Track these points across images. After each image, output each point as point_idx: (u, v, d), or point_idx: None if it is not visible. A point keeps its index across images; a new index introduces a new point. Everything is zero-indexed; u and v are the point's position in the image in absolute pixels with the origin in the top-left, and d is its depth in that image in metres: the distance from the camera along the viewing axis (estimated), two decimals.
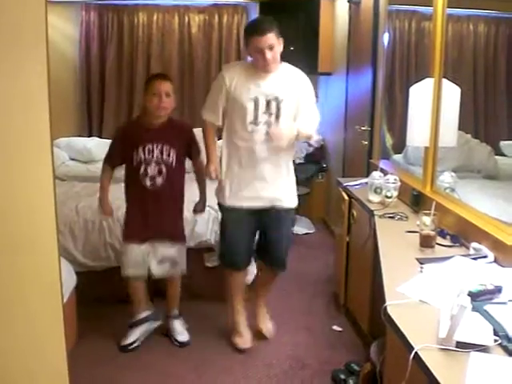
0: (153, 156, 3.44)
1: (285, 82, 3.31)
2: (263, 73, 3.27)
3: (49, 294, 2.09)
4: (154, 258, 3.54)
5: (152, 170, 3.44)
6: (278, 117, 3.27)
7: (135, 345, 3.58)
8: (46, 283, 2.08)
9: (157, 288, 3.78)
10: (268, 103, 3.26)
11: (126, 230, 3.59)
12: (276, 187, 3.39)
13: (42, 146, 1.98)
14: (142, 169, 3.44)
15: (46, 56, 1.92)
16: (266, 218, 3.44)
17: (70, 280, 3.49)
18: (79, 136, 5.98)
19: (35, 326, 2.10)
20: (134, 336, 3.60)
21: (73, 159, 5.71)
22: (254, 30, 3.21)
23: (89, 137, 6.04)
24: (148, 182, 3.45)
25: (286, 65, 3.37)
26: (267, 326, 3.71)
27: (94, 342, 3.62)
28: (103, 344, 3.61)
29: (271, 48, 3.17)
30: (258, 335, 3.67)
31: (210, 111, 3.41)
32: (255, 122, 3.26)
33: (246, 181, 3.36)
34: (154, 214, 3.50)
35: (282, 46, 3.25)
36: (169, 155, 3.46)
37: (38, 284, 2.07)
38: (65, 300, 2.71)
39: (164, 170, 3.45)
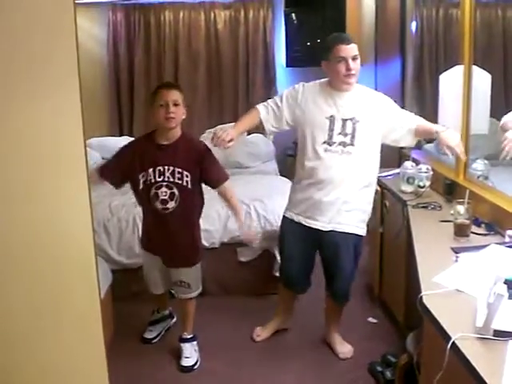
0: (164, 179, 3.14)
1: (362, 102, 3.16)
2: (341, 91, 3.13)
3: (87, 291, 2.13)
4: (171, 279, 3.44)
5: (163, 193, 3.14)
6: (353, 137, 3.10)
7: (157, 339, 3.68)
8: (83, 282, 2.12)
9: None
10: (344, 123, 3.11)
11: (143, 238, 3.51)
12: (340, 210, 3.17)
13: (76, 147, 2.01)
14: (153, 192, 3.16)
15: (77, 58, 1.95)
16: (325, 241, 3.26)
17: (105, 278, 3.54)
18: (110, 136, 6.03)
19: (75, 324, 2.14)
20: (157, 331, 3.70)
21: (105, 159, 5.76)
22: (338, 38, 3.08)
23: (120, 136, 6.08)
24: (159, 206, 3.17)
25: (361, 86, 3.22)
26: (344, 350, 3.48)
27: (129, 338, 3.67)
28: (139, 340, 3.66)
29: (355, 59, 3.04)
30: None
31: (267, 110, 3.24)
32: (329, 142, 3.11)
33: (312, 200, 3.19)
34: (165, 238, 3.28)
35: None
36: (181, 178, 3.15)
37: (77, 282, 2.11)
38: (101, 297, 2.75)
39: (177, 193, 3.16)
